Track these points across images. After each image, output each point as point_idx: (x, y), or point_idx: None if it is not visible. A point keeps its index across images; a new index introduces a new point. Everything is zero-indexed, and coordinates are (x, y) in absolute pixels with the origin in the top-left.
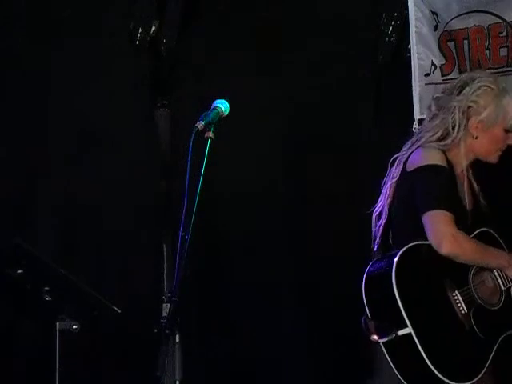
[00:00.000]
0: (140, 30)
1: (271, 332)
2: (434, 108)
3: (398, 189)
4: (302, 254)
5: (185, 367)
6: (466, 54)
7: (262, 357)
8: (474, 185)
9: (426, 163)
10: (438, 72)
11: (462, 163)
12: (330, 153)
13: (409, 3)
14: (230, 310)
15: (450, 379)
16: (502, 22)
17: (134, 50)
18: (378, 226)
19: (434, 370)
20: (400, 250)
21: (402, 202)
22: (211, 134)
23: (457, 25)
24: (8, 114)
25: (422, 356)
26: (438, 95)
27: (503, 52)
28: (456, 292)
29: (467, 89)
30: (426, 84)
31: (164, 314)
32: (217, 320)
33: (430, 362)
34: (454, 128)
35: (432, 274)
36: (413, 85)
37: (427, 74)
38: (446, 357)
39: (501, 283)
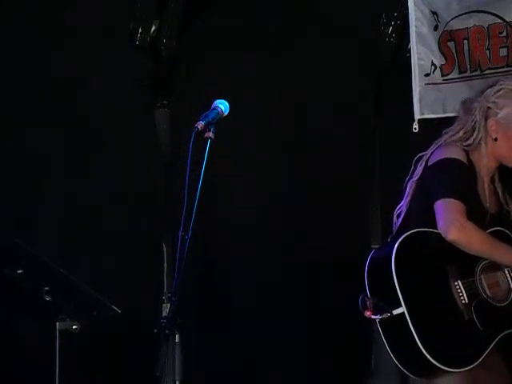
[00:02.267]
0: (140, 30)
1: (271, 332)
2: (461, 112)
3: (418, 186)
4: (303, 254)
5: (185, 367)
6: (466, 53)
7: (262, 357)
8: (499, 190)
9: (444, 156)
10: (438, 72)
11: (485, 166)
12: (330, 153)
13: (409, 3)
14: (230, 309)
15: (438, 362)
16: (502, 22)
17: (133, 50)
18: (396, 224)
19: (423, 350)
20: (407, 233)
21: (419, 196)
22: (211, 134)
23: (457, 25)
24: (8, 113)
25: (414, 336)
26: (464, 99)
27: (503, 52)
28: (458, 281)
29: (488, 90)
30: (426, 84)
31: (164, 313)
32: (217, 320)
33: (421, 343)
34: (474, 129)
35: (436, 260)
36: (413, 85)
37: (427, 74)
38: (438, 340)
39: (510, 281)
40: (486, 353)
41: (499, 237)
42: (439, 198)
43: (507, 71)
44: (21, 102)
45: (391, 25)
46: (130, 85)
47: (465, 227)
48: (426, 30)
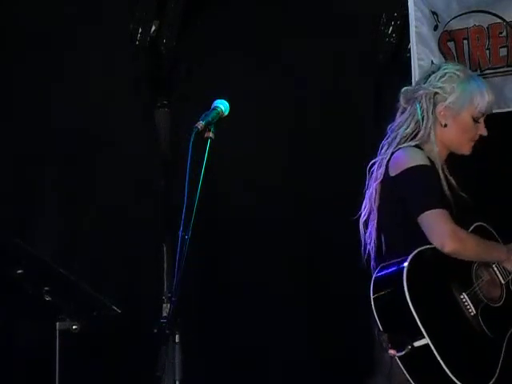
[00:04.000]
0: (140, 30)
1: (271, 332)
2: (402, 101)
3: (384, 192)
4: (303, 254)
5: (185, 367)
6: (466, 54)
7: (262, 357)
8: (451, 178)
9: (409, 165)
10: None
11: (437, 157)
12: (330, 153)
13: (409, 3)
14: (229, 309)
15: None
16: (501, 22)
17: (134, 50)
18: (369, 234)
19: (454, 379)
20: (408, 256)
21: (389, 210)
22: (211, 134)
23: (457, 25)
24: (8, 113)
25: (442, 366)
26: (405, 88)
27: (503, 52)
28: (464, 294)
29: (433, 76)
30: None
31: (164, 313)
32: (217, 320)
33: (450, 372)
34: (423, 117)
35: (440, 278)
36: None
37: None
38: (464, 363)
39: (500, 277)
40: (502, 356)
41: (482, 233)
42: (423, 212)
43: (507, 71)
44: (21, 101)
45: (391, 25)
46: (130, 85)
47: (458, 235)
48: (426, 30)
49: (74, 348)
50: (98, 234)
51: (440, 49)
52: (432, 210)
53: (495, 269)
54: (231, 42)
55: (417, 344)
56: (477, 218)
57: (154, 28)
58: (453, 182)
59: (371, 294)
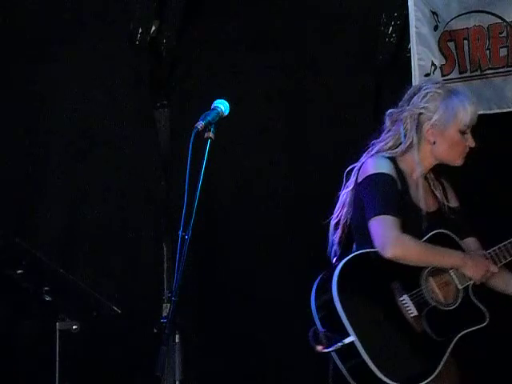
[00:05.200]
0: (140, 30)
1: (271, 332)
2: (388, 123)
3: (352, 198)
4: (303, 255)
5: (185, 367)
6: (466, 54)
7: (262, 357)
8: (436, 188)
9: (370, 172)
10: (438, 72)
11: (417, 169)
12: (330, 152)
13: (409, 3)
14: (229, 309)
15: (397, 382)
16: (502, 22)
17: (134, 50)
18: (337, 235)
19: (379, 375)
20: (345, 259)
21: (356, 211)
22: (211, 134)
23: (457, 25)
24: (8, 113)
25: (367, 362)
26: (390, 110)
27: (503, 52)
28: (405, 296)
29: (415, 98)
30: None
31: (164, 314)
32: (217, 320)
33: (377, 367)
34: (405, 136)
35: (379, 280)
36: (413, 85)
37: (427, 75)
38: (393, 361)
39: (457, 282)
40: (444, 360)
41: (440, 240)
42: (372, 217)
43: (507, 71)
44: (21, 101)
45: (391, 25)
46: (129, 85)
47: (399, 241)
48: (426, 30)
49: (74, 348)
50: (98, 234)
51: (440, 49)
52: (380, 216)
53: (452, 274)
54: (231, 41)
55: (346, 341)
56: (446, 227)
57: (154, 28)
58: (438, 189)
59: (313, 293)
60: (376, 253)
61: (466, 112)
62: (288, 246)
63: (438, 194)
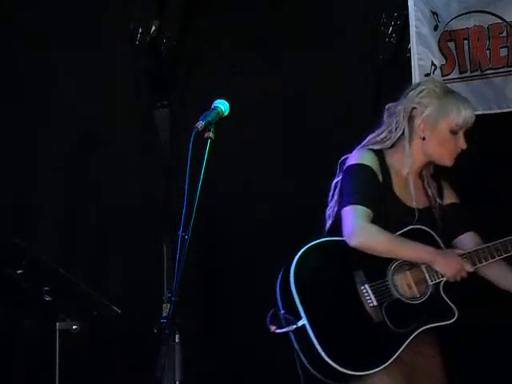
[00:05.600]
0: (140, 30)
1: (271, 332)
2: (385, 116)
3: (338, 189)
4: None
5: (185, 367)
6: (467, 54)
7: (262, 357)
8: (430, 187)
9: (351, 163)
10: (438, 72)
11: (408, 165)
12: (330, 152)
13: (409, 3)
14: (229, 310)
15: (346, 368)
16: (502, 22)
17: (134, 50)
18: (328, 225)
19: (327, 359)
20: (309, 244)
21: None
22: (211, 134)
23: (457, 25)
24: (8, 113)
25: (316, 346)
26: (388, 104)
27: (503, 52)
28: (365, 285)
29: (411, 92)
30: None
31: (164, 314)
32: (217, 320)
33: (324, 352)
34: (396, 129)
35: (342, 268)
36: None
37: (427, 75)
38: (343, 347)
39: (428, 277)
40: (401, 350)
41: (416, 235)
42: (344, 206)
43: (507, 71)
44: (21, 101)
45: (391, 25)
46: (129, 85)
47: (365, 231)
48: (426, 30)
49: (74, 348)
50: (98, 234)
51: (440, 49)
52: (350, 206)
53: (424, 269)
54: (231, 41)
55: (299, 323)
56: (428, 224)
57: (154, 28)
58: (430, 187)
59: (280, 275)
60: (344, 241)
61: (459, 113)
62: (288, 246)
63: (429, 193)
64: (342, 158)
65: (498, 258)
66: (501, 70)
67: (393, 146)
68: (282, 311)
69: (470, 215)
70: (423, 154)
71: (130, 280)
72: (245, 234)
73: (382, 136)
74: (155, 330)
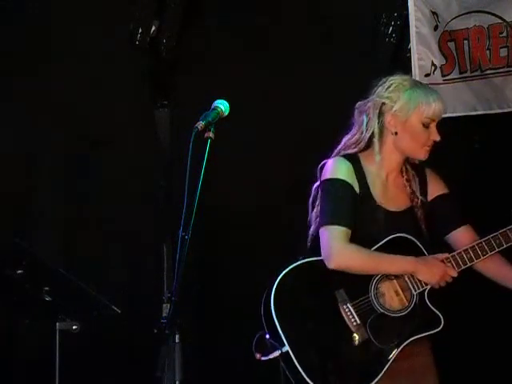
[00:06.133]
0: (140, 30)
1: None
2: (356, 115)
3: (316, 198)
4: (304, 255)
5: (185, 367)
6: (467, 54)
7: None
8: (410, 183)
9: (326, 177)
10: (438, 72)
11: (382, 164)
12: (330, 152)
13: (409, 3)
14: (230, 310)
15: None
16: (502, 22)
17: (134, 50)
18: (307, 235)
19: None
20: (288, 267)
21: (316, 216)
22: (211, 134)
23: (457, 25)
24: (9, 113)
25: (301, 372)
26: (358, 102)
27: (503, 52)
28: (348, 304)
29: (380, 87)
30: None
31: (164, 314)
32: (217, 320)
33: (308, 377)
34: (367, 127)
35: (323, 289)
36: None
37: (427, 75)
38: (327, 370)
39: (411, 288)
40: (387, 366)
41: (397, 244)
42: (322, 225)
43: (508, 71)
44: (21, 101)
45: (391, 25)
46: (129, 85)
47: (343, 253)
48: (426, 30)
49: (74, 348)
50: (98, 234)
51: (440, 49)
52: (325, 227)
53: (407, 279)
54: (231, 41)
55: (283, 350)
56: (417, 225)
57: (154, 28)
58: (409, 186)
59: (262, 302)
60: (322, 261)
61: (428, 104)
62: (288, 247)
63: (408, 191)
64: (321, 164)
65: (483, 257)
66: (501, 70)
67: (368, 147)
68: (268, 335)
69: (459, 206)
70: (397, 149)
71: (129, 280)
72: (245, 233)
73: (356, 137)
74: (155, 330)
